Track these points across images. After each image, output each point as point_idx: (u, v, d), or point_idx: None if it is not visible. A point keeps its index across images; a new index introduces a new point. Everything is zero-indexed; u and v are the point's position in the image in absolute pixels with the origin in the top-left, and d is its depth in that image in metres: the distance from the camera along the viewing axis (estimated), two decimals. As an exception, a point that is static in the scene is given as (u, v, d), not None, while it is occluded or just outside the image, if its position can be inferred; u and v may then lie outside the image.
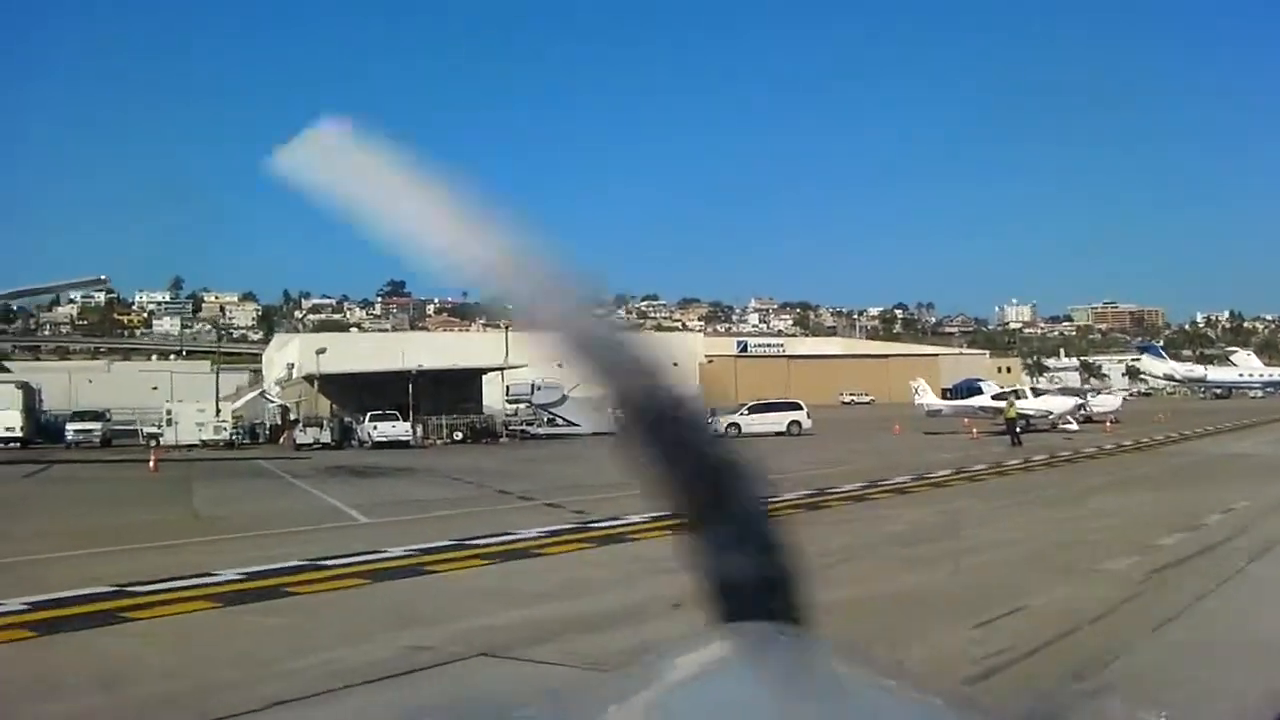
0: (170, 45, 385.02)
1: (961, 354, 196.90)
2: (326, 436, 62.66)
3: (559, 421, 76.86)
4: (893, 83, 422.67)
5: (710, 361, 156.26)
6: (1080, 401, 68.52)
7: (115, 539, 20.30)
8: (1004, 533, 19.41)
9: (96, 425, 71.90)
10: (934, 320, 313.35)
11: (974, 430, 57.39)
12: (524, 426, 73.89)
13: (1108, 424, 62.81)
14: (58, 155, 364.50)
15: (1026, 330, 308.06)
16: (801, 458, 40.85)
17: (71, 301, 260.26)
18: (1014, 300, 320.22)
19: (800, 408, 69.81)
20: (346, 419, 66.03)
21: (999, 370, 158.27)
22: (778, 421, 66.59)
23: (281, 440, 65.81)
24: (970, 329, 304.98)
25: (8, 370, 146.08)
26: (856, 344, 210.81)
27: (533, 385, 76.36)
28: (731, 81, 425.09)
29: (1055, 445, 45.70)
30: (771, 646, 1.76)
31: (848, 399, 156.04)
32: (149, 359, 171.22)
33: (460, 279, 1.89)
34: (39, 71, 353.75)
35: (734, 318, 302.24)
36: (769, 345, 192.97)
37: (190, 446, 64.61)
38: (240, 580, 15.09)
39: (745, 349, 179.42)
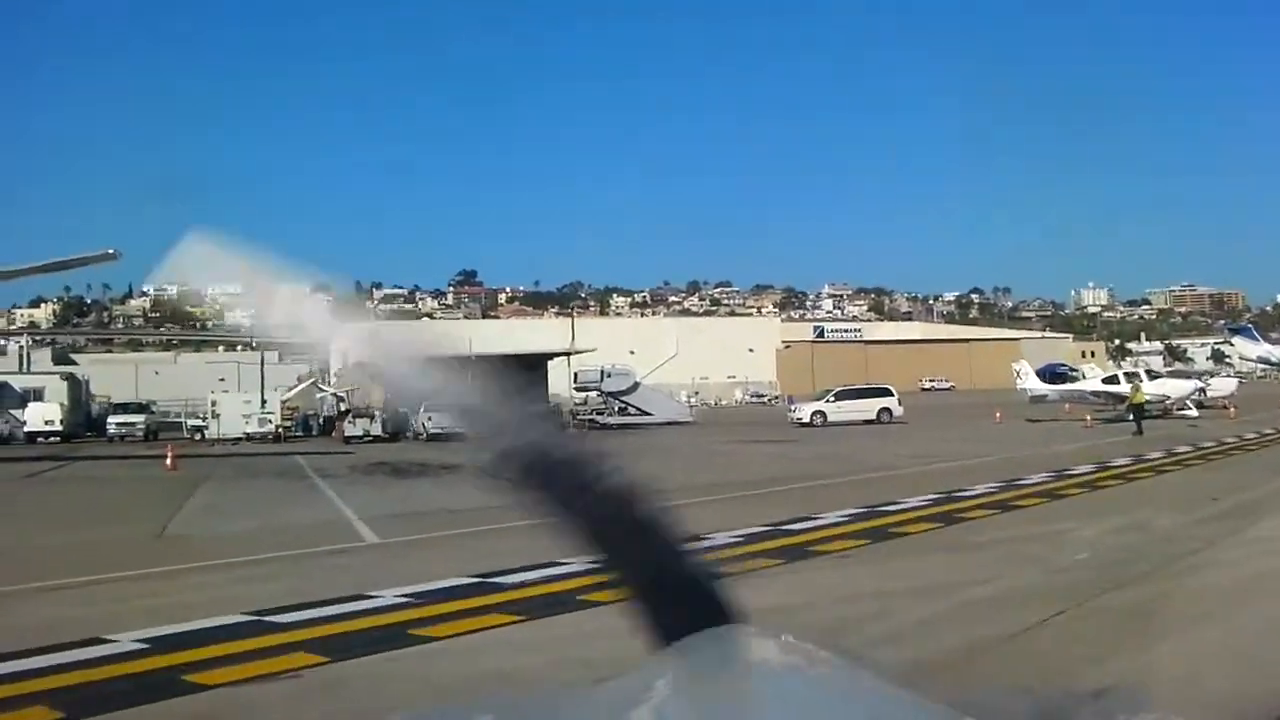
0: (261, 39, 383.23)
1: (1044, 338, 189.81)
2: (377, 428, 57.70)
3: (630, 410, 72.03)
4: (963, 62, 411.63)
5: (787, 347, 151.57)
6: (1200, 385, 62.57)
7: (31, 569, 15.20)
8: (1254, 559, 13.87)
9: (139, 418, 67.37)
10: (1010, 305, 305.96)
11: (1087, 417, 51.97)
12: (593, 415, 68.73)
13: (1231, 409, 56.49)
14: (118, 152, 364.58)
15: (1105, 314, 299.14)
16: (903, 450, 36.50)
17: (144, 294, 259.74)
18: (1091, 284, 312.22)
19: (890, 393, 64.41)
20: (402, 409, 60.93)
21: (1082, 355, 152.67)
22: (866, 409, 61.53)
23: (334, 432, 60.87)
24: (1048, 313, 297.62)
25: (74, 363, 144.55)
26: (935, 328, 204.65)
27: (602, 372, 71.20)
28: (796, 63, 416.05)
29: (1183, 434, 40.65)
30: (737, 651, 1.81)
31: (928, 385, 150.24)
32: (218, 350, 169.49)
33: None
34: (108, 70, 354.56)
35: (808, 304, 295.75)
36: (846, 331, 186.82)
37: (235, 440, 60.01)
38: (118, 659, 9.78)
39: (822, 334, 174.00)
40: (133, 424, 66.39)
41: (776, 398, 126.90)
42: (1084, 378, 69.85)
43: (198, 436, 63.52)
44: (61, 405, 68.00)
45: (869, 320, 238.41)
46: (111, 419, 67.65)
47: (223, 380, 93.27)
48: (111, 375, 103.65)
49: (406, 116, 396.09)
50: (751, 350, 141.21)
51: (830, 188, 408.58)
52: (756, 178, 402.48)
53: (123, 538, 19.35)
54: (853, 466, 30.96)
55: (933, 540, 16.69)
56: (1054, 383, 67.96)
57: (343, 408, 64.12)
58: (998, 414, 57.28)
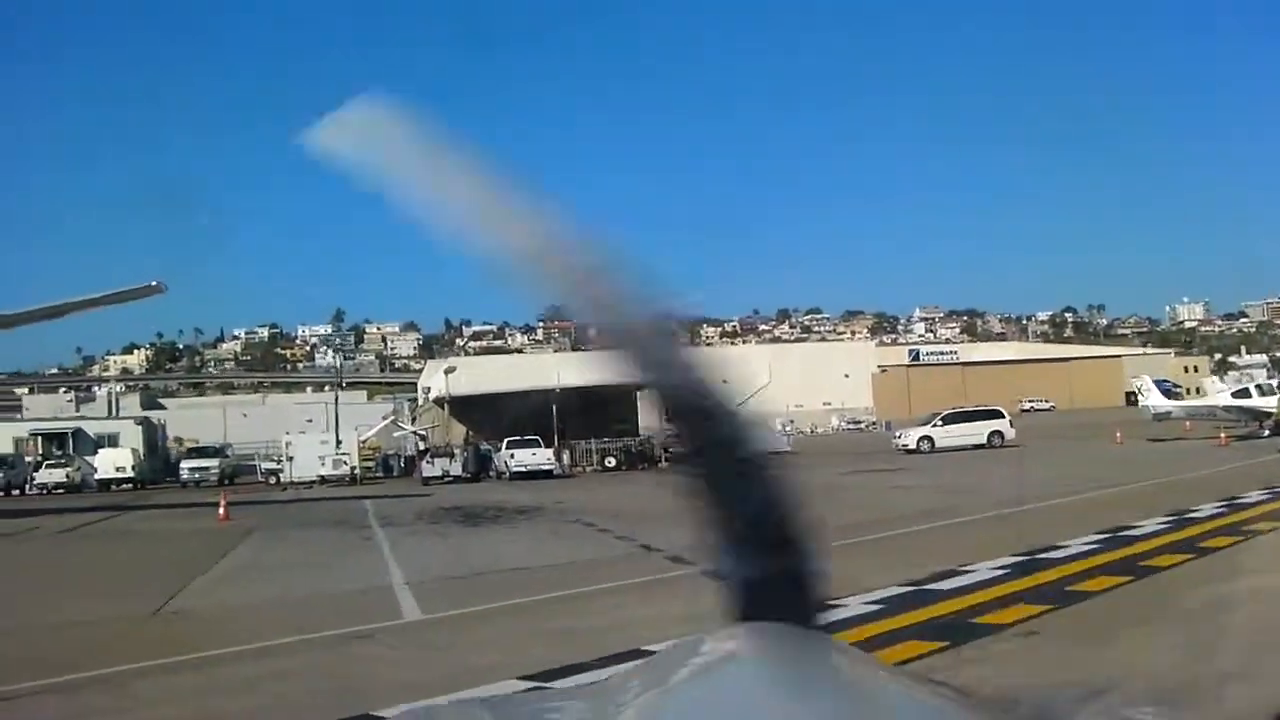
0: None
1: (1145, 354, 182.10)
2: (457, 468, 53.80)
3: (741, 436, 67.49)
4: (1049, 81, 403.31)
5: (883, 372, 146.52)
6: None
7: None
8: None
9: (213, 463, 64.15)
10: (1105, 322, 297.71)
11: (1221, 435, 47.09)
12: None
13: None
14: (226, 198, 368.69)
15: (1203, 328, 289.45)
16: (1031, 477, 31.83)
17: (235, 338, 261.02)
18: (1185, 299, 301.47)
19: (1001, 415, 59.51)
20: (484, 447, 57.25)
21: (1185, 370, 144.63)
22: (976, 432, 56.60)
23: (414, 473, 57.23)
24: (1144, 329, 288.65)
25: (163, 408, 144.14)
26: (1033, 348, 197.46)
27: (697, 398, 67.04)
28: (885, 93, 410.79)
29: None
30: (775, 645, 1.79)
31: (1027, 406, 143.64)
32: (305, 391, 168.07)
33: (501, 276, 1.83)
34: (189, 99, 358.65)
35: (899, 328, 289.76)
36: (942, 353, 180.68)
37: (309, 483, 56.64)
38: None
39: (918, 357, 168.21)
40: (206, 469, 63.25)
41: (874, 423, 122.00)
42: (1200, 394, 64.73)
43: (272, 480, 60.24)
44: (134, 451, 65.40)
45: (962, 342, 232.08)
46: (184, 464, 64.61)
47: (310, 420, 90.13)
48: (199, 419, 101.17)
49: (500, 150, 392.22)
50: (846, 376, 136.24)
51: (917, 211, 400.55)
52: (845, 204, 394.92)
53: (110, 617, 15.46)
54: (982, 499, 26.70)
55: (1128, 603, 12.63)
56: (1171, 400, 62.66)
57: (421, 447, 60.59)
58: (1118, 434, 52.19)
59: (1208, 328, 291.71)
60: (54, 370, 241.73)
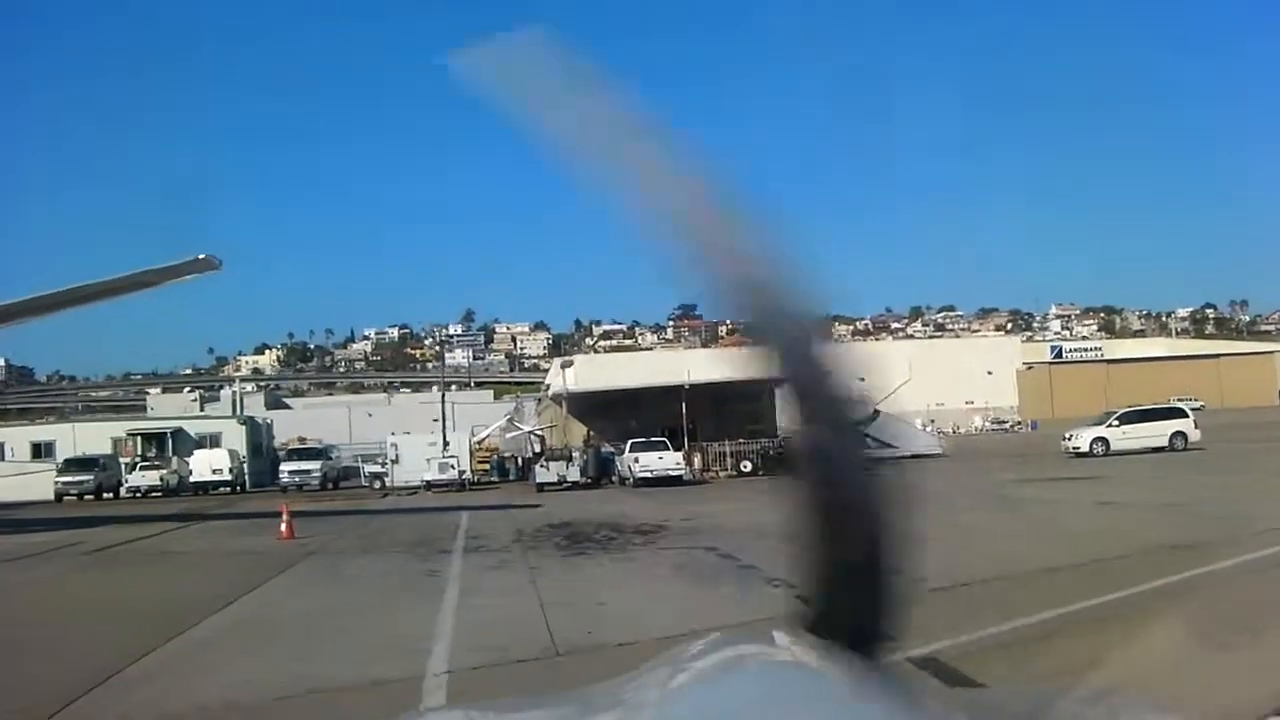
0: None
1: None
2: (575, 473, 47.70)
3: (869, 442, 60.70)
4: (1185, 63, 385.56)
5: (1029, 369, 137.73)
6: None
7: None
8: None
9: (314, 465, 58.72)
10: (1248, 319, 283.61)
11: None
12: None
13: None
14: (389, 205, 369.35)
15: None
16: (1261, 489, 27.23)
17: (365, 338, 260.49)
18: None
19: (1184, 414, 53.14)
20: (606, 449, 51.05)
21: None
22: (1156, 433, 50.38)
23: (530, 477, 51.25)
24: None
25: (288, 407, 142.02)
26: (1181, 344, 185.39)
27: (836, 400, 60.04)
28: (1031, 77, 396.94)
29: None
30: (773, 653, 1.84)
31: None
32: (432, 390, 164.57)
33: (644, 229, 1.81)
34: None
35: (1034, 325, 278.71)
36: (1085, 350, 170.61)
37: (414, 489, 51.07)
38: None
39: (1060, 355, 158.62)
40: (307, 472, 57.98)
41: (1019, 423, 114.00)
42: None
43: (376, 485, 54.70)
44: (233, 452, 60.65)
45: (1102, 339, 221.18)
46: (284, 466, 59.30)
47: (436, 420, 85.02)
48: (324, 418, 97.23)
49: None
50: (990, 373, 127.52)
51: (1054, 206, 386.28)
52: (978, 198, 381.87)
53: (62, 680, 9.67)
54: (1220, 524, 20.14)
55: None
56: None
57: (537, 449, 54.60)
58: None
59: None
60: (188, 370, 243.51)
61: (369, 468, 57.39)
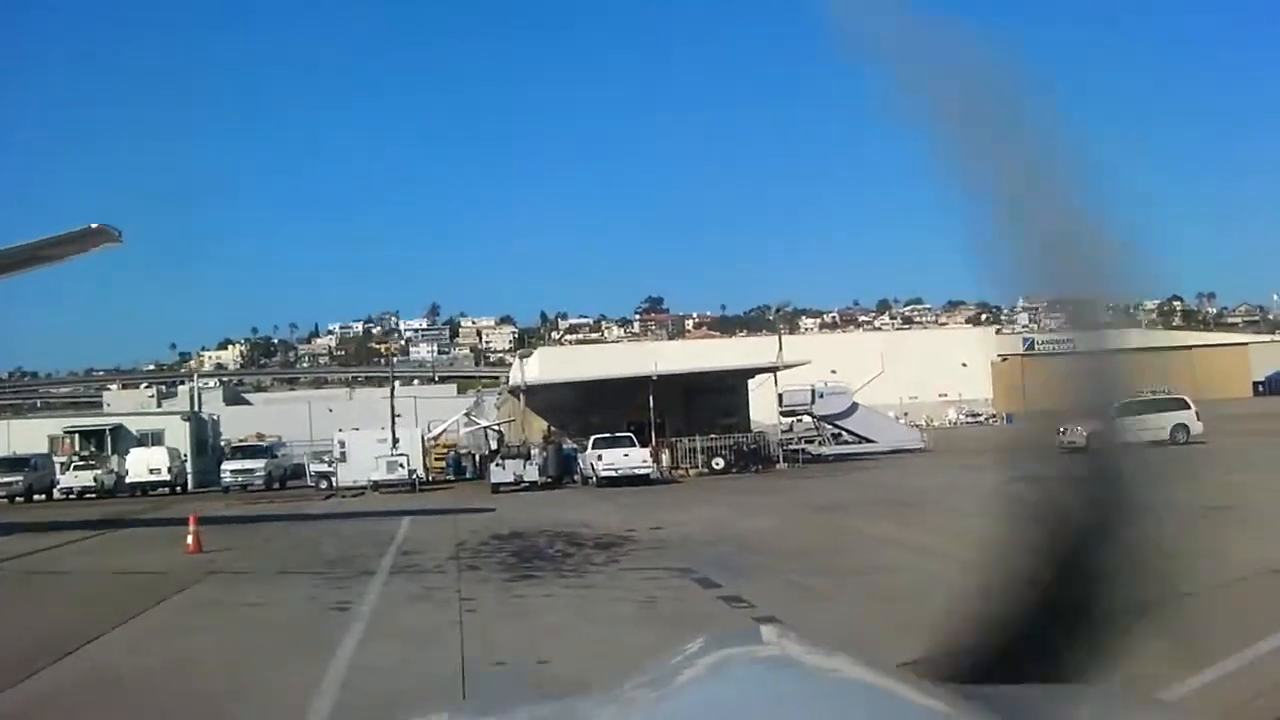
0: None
1: (1275, 342, 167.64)
2: (533, 472, 43.38)
3: (846, 437, 57.68)
4: (1146, 64, 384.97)
5: (1004, 360, 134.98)
6: None
7: None
8: None
9: (258, 464, 54.56)
10: (1215, 311, 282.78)
11: None
12: (802, 445, 54.17)
13: None
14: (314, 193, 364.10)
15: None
16: None
17: (330, 333, 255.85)
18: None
19: (1186, 405, 49.54)
20: (567, 446, 47.21)
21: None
22: (1156, 426, 44.24)
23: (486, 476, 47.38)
24: (1255, 317, 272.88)
25: (248, 403, 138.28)
26: (1154, 335, 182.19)
27: (813, 391, 56.36)
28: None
29: None
30: (777, 652, 1.92)
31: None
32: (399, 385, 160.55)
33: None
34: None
35: (1002, 318, 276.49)
36: (1059, 342, 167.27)
37: (360, 490, 47.15)
38: None
39: (1032, 347, 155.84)
40: (250, 471, 53.84)
41: (993, 416, 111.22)
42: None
43: (323, 485, 50.68)
44: (172, 451, 56.53)
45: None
46: (225, 466, 55.04)
47: (400, 416, 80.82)
48: (284, 414, 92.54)
49: (599, 148, 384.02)
50: (964, 365, 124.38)
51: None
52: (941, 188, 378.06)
53: None
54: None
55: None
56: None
57: (494, 445, 50.68)
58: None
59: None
60: (150, 367, 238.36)
61: (315, 467, 53.16)
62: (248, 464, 54.77)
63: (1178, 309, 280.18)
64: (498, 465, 43.44)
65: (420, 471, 50.53)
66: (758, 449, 48.08)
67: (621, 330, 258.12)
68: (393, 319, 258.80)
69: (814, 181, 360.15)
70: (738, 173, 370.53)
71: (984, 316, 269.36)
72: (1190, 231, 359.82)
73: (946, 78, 1.74)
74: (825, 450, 55.03)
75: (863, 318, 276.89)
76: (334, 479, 50.56)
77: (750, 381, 55.69)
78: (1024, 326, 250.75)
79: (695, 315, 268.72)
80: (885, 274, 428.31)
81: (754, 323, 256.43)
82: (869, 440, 56.82)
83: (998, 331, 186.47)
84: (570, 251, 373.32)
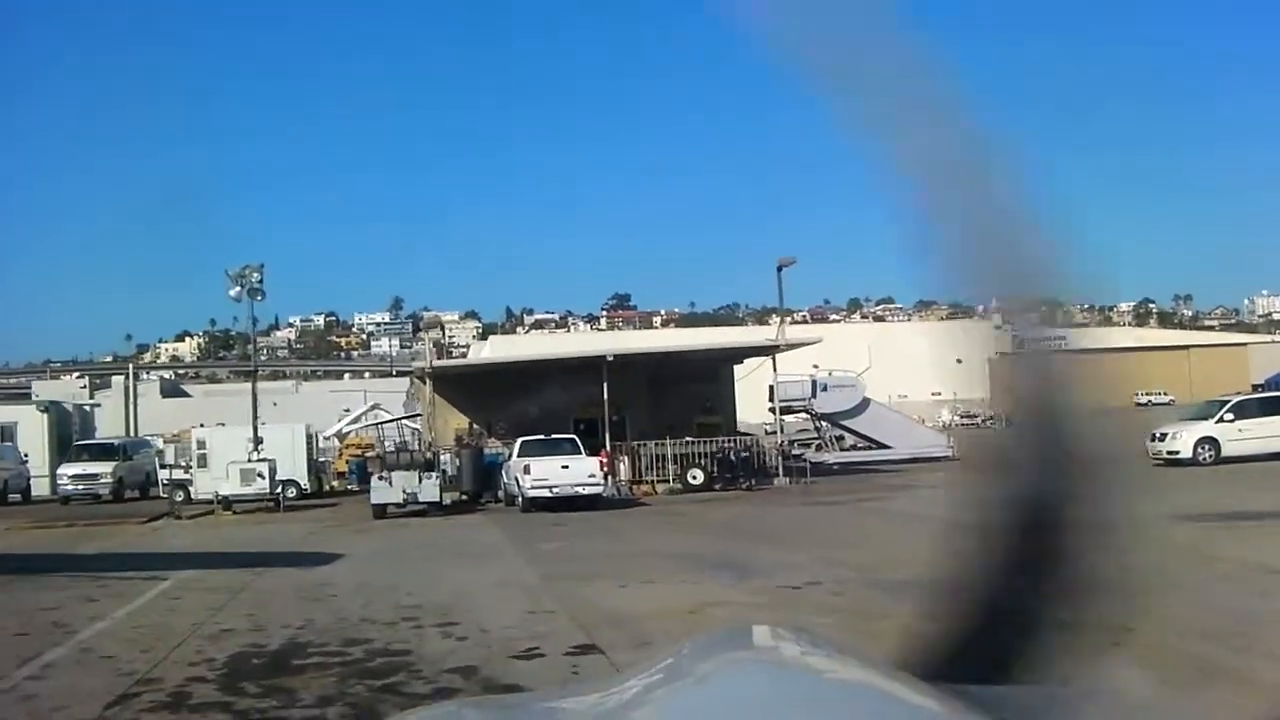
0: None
1: (1275, 342, 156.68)
2: (430, 489, 28.91)
3: (850, 441, 45.08)
4: (1134, 63, 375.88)
5: (1001, 357, 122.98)
6: None
7: None
8: None
9: (104, 468, 40.88)
10: (1190, 314, 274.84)
11: None
12: (797, 451, 41.01)
13: None
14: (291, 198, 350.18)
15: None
16: None
17: (290, 325, 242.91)
18: (1265, 291, 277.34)
19: None
20: (491, 451, 33.49)
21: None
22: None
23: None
24: (1231, 321, 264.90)
25: (187, 395, 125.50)
26: (1151, 334, 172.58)
27: (814, 383, 43.18)
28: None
29: None
30: (777, 648, 1.86)
31: (1144, 399, 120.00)
32: (343, 378, 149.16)
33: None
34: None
35: (976, 318, 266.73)
36: (1049, 339, 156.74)
37: (211, 505, 33.40)
38: None
39: (1022, 344, 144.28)
40: (94, 477, 40.18)
41: (990, 417, 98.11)
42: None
43: (179, 497, 36.28)
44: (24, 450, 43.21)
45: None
46: (63, 470, 41.29)
47: (348, 410, 67.00)
48: (224, 406, 79.24)
49: (569, 141, 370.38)
50: (959, 361, 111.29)
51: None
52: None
53: None
54: None
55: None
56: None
57: (382, 450, 36.43)
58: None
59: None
60: (109, 358, 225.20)
61: (168, 472, 38.50)
62: (92, 468, 40.91)
63: (1153, 311, 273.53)
64: (381, 479, 29.28)
65: (303, 481, 37.01)
66: (749, 458, 34.52)
67: (588, 326, 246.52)
68: (354, 314, 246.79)
69: (787, 177, 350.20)
70: (707, 169, 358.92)
71: (956, 317, 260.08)
72: (1164, 237, 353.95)
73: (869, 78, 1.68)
74: (828, 458, 41.85)
75: (834, 317, 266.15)
76: (191, 489, 36.58)
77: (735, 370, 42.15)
78: (997, 328, 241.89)
79: (664, 312, 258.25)
80: (855, 273, 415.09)
81: (724, 320, 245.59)
82: (882, 445, 43.84)
83: (997, 327, 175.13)
84: (537, 248, 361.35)
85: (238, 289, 34.81)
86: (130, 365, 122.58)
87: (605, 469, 29.69)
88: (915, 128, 1.71)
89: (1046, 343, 1.86)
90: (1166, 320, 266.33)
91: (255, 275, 34.94)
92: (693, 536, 21.71)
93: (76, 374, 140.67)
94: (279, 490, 32.95)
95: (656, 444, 34.13)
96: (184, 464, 37.98)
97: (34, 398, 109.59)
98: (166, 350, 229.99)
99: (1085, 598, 1.82)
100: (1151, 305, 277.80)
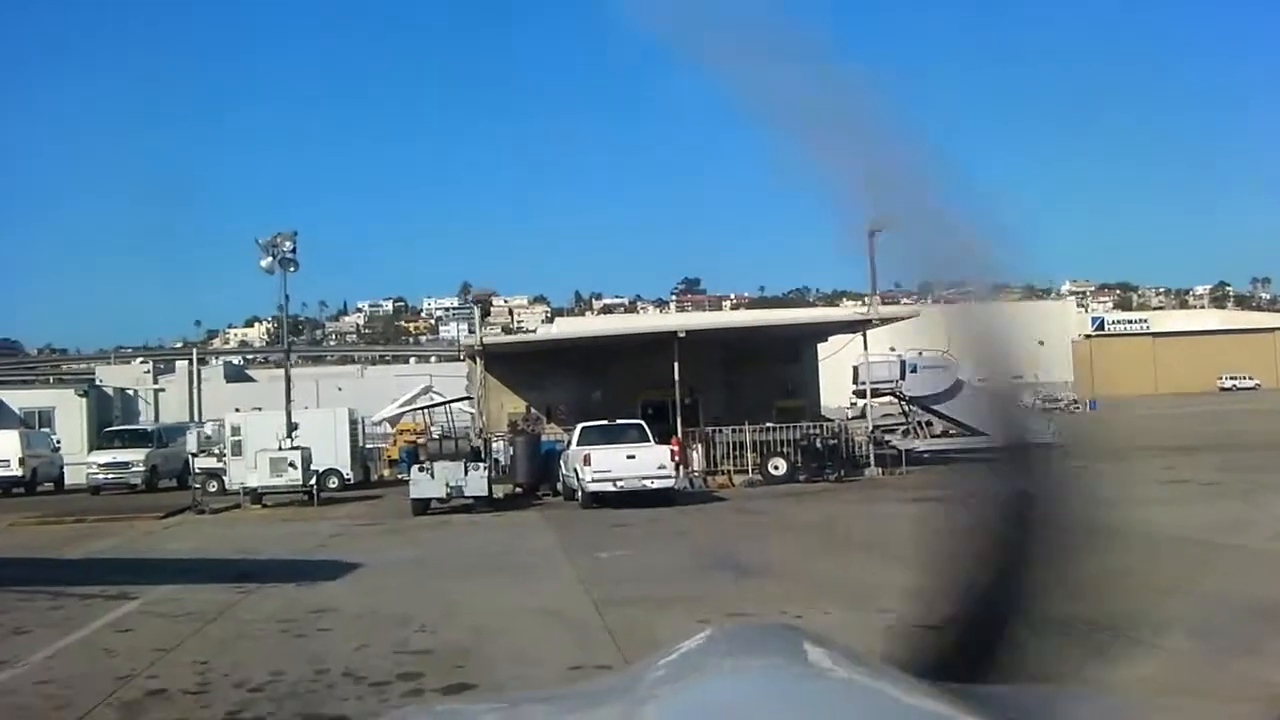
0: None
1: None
2: (478, 482, 24.96)
3: (939, 427, 40.83)
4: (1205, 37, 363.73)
5: (1086, 339, 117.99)
6: None
7: None
8: None
9: (136, 455, 37.95)
10: (1269, 296, 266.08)
11: None
12: (883, 437, 36.96)
13: None
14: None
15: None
16: None
17: (359, 310, 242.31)
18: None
19: None
20: (549, 438, 29.81)
21: None
22: None
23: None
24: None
25: (252, 380, 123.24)
26: (1237, 316, 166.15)
27: (902, 364, 39.03)
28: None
29: None
30: (774, 648, 1.84)
31: (1228, 384, 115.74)
32: (409, 362, 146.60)
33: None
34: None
35: (1050, 300, 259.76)
36: (1130, 322, 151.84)
37: (239, 497, 29.99)
38: None
39: (1102, 326, 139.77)
40: (125, 465, 37.14)
41: (1075, 402, 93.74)
42: None
43: (212, 488, 32.84)
44: (36, 437, 40.20)
45: (1158, 310, 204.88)
46: (93, 457, 38.37)
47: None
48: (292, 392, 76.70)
49: (640, 123, 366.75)
50: (1041, 343, 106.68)
51: (1065, 178, 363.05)
52: (986, 168, 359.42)
53: None
54: None
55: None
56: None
57: (433, 435, 32.94)
58: None
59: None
60: (179, 344, 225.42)
61: (200, 462, 35.11)
62: (122, 455, 37.85)
63: (1230, 294, 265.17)
64: (422, 470, 25.60)
65: (345, 470, 33.73)
66: (836, 446, 30.59)
67: (658, 310, 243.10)
68: (422, 299, 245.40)
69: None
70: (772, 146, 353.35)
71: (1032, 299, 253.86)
72: (1239, 215, 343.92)
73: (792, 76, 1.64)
74: (919, 445, 37.65)
75: (905, 300, 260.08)
76: (225, 478, 33.17)
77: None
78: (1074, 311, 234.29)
79: (733, 296, 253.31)
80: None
81: (794, 302, 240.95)
82: (977, 432, 39.56)
83: (1079, 304, 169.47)
84: (606, 232, 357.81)
85: (269, 259, 31.48)
86: (194, 350, 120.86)
87: (676, 459, 25.88)
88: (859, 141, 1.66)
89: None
90: (1243, 303, 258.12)
91: (288, 244, 31.56)
92: (786, 543, 17.96)
93: (140, 359, 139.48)
94: (313, 482, 29.50)
95: (734, 430, 30.32)
96: (217, 452, 34.61)
97: (99, 383, 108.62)
98: (235, 335, 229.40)
99: (1084, 598, 1.75)
100: (1228, 288, 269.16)
